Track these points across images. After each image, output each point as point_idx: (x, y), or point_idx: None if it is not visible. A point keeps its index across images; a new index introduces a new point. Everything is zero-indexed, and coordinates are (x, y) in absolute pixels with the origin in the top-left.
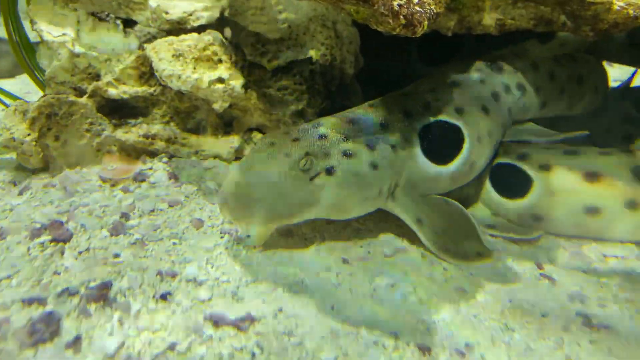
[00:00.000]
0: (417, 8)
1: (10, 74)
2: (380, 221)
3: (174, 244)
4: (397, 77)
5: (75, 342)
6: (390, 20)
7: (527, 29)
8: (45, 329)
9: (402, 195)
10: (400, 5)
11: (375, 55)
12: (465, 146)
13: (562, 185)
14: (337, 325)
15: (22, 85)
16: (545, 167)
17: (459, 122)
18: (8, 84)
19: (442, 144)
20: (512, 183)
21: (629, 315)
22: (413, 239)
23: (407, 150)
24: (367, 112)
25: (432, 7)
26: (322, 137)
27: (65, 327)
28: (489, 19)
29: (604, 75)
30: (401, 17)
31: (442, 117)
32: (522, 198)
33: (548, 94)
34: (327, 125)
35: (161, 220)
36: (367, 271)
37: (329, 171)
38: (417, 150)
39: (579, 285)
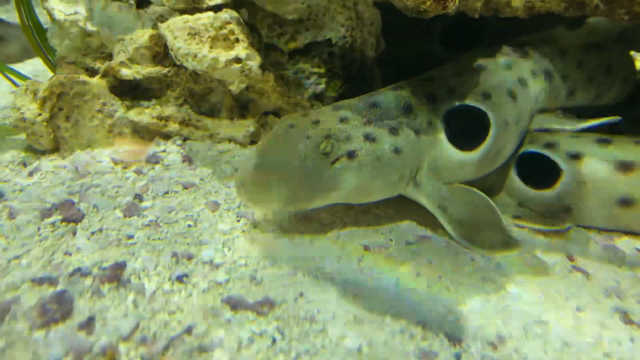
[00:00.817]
0: None
1: (19, 59)
2: (402, 208)
3: (189, 226)
4: (418, 62)
5: (89, 323)
6: None
7: (558, 12)
8: (57, 309)
9: (425, 182)
10: None
11: (396, 40)
12: (492, 132)
13: (594, 175)
14: (361, 313)
15: (31, 70)
16: (575, 156)
17: (484, 107)
18: (19, 68)
19: (467, 130)
20: (539, 172)
21: None
22: (436, 227)
23: (430, 136)
24: (389, 96)
25: None
26: (344, 120)
27: (78, 308)
28: (518, 1)
29: (632, 65)
30: None
31: (468, 102)
32: (550, 188)
33: (576, 81)
34: (349, 108)
35: (175, 202)
36: (390, 259)
37: (351, 155)
38: (442, 136)
39: (614, 280)
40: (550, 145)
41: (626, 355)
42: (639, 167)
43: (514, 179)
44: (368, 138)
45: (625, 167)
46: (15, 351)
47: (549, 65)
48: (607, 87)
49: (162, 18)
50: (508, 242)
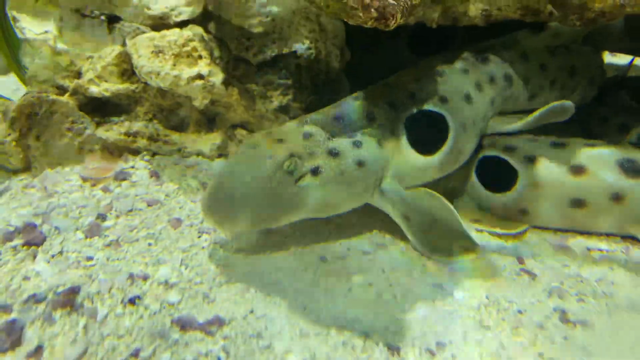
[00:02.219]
0: (390, 0)
1: (3, 72)
2: (364, 215)
3: (150, 245)
4: (388, 69)
5: (37, 352)
6: (361, 14)
7: (515, 19)
8: (7, 338)
9: (389, 190)
10: None
11: (363, 48)
12: (451, 135)
13: (548, 177)
14: (308, 326)
15: (15, 83)
16: (530, 159)
17: (443, 111)
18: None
19: (427, 134)
20: (498, 176)
21: (607, 311)
22: (394, 233)
23: (393, 143)
24: (351, 106)
25: None
26: (307, 136)
27: (28, 336)
28: (475, 10)
29: (599, 66)
30: (372, 10)
31: (427, 107)
32: (508, 191)
33: (538, 85)
34: (313, 123)
35: (138, 220)
36: (345, 269)
37: (315, 172)
38: (404, 142)
39: (559, 281)
40: (509, 149)
41: (558, 354)
42: (589, 170)
43: (474, 183)
44: (331, 153)
45: (577, 170)
46: None
47: (509, 69)
48: (571, 90)
49: (133, 34)
50: (468, 247)
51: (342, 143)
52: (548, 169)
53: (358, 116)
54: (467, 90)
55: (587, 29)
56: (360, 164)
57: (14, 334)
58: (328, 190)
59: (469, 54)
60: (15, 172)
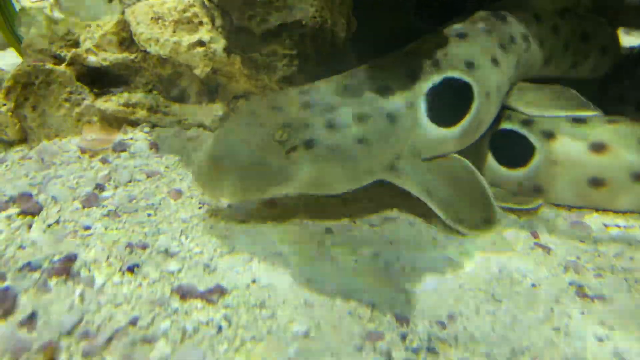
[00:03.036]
0: None
1: (2, 47)
2: (370, 188)
3: (149, 215)
4: (394, 37)
5: (30, 319)
6: None
7: None
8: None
9: (407, 167)
10: None
11: (370, 17)
12: (475, 105)
13: (567, 155)
14: (312, 296)
15: (15, 57)
16: (549, 135)
17: (469, 79)
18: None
19: (450, 105)
20: (514, 151)
21: (626, 286)
22: (402, 206)
23: (409, 117)
24: (364, 76)
25: None
26: (306, 105)
27: (22, 304)
28: None
29: (612, 37)
30: None
31: (453, 74)
32: (523, 167)
33: (552, 47)
34: (316, 92)
35: (138, 191)
36: (352, 241)
37: (308, 144)
38: (422, 116)
39: (575, 255)
40: (527, 123)
41: (574, 328)
42: (611, 148)
43: (488, 157)
44: (330, 126)
45: (598, 147)
46: None
47: (526, 30)
48: (583, 56)
49: (133, 3)
50: (489, 219)
51: (344, 116)
52: (567, 146)
53: (369, 87)
54: (494, 53)
55: None
56: (361, 140)
57: (7, 302)
58: (320, 166)
59: (486, 14)
60: (11, 143)
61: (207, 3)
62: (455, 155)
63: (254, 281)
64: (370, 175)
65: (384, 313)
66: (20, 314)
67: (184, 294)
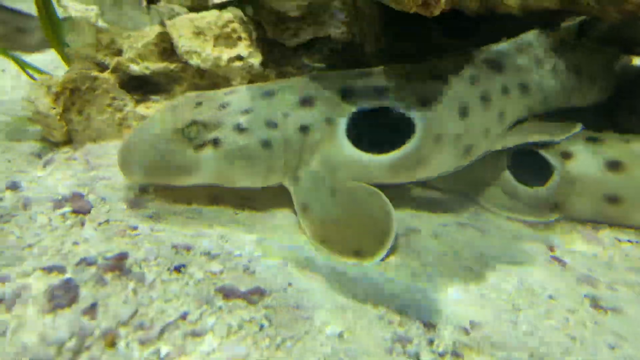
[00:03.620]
0: None
1: (38, 49)
2: (396, 197)
3: (189, 218)
4: (420, 51)
5: (92, 309)
6: (406, 0)
7: (552, 8)
8: (64, 294)
9: (305, 177)
10: None
11: (397, 29)
12: (413, 142)
13: (584, 173)
14: (344, 301)
15: (53, 59)
16: (566, 155)
17: (415, 115)
18: (38, 59)
19: (381, 133)
20: (532, 170)
21: (639, 299)
22: (424, 218)
23: (324, 133)
24: (293, 85)
25: None
26: (224, 105)
27: (83, 295)
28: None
29: (606, 67)
30: None
31: (396, 105)
32: (542, 186)
33: (550, 89)
34: (239, 94)
35: (179, 194)
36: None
37: (215, 142)
38: (341, 134)
39: (589, 269)
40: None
41: (588, 336)
42: (626, 166)
43: (506, 173)
44: (238, 128)
45: (613, 166)
46: (25, 331)
47: (525, 78)
48: (578, 91)
49: (171, 14)
50: (362, 252)
51: (255, 119)
52: (584, 166)
53: (292, 96)
54: (466, 102)
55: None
56: (265, 144)
57: (70, 292)
58: (223, 164)
59: (483, 58)
60: (57, 144)
61: (245, 19)
62: (366, 185)
63: (290, 284)
64: (272, 178)
65: (412, 319)
66: (82, 303)
67: (227, 293)
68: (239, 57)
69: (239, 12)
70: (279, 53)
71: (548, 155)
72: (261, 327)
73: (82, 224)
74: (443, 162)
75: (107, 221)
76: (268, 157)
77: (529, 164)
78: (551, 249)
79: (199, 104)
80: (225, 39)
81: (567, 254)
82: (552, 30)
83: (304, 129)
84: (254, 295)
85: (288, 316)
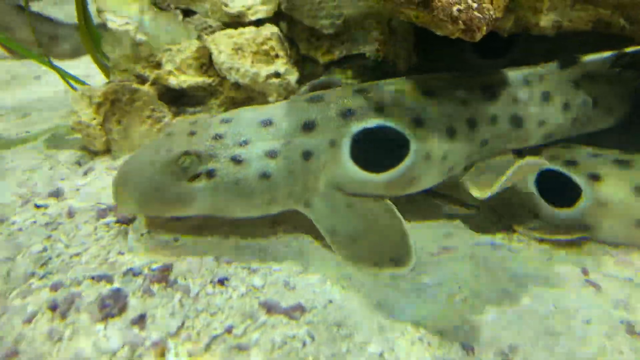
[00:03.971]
0: (476, 14)
1: (72, 56)
2: (427, 217)
3: (228, 231)
4: (452, 68)
5: (141, 320)
6: (449, 26)
7: (584, 30)
8: (114, 304)
9: (319, 202)
10: (459, 11)
11: (429, 47)
12: (407, 161)
13: (613, 197)
14: (384, 321)
15: (85, 66)
16: (595, 177)
17: (408, 133)
18: (71, 66)
19: (378, 152)
20: (560, 191)
21: None
22: (458, 237)
23: (329, 155)
24: (290, 111)
25: (491, 12)
26: (218, 137)
27: (132, 305)
28: (546, 21)
29: (622, 97)
30: (460, 22)
31: (391, 124)
32: (570, 207)
33: (556, 126)
34: (235, 124)
35: None
36: (415, 269)
37: (210, 174)
38: (345, 156)
39: (624, 294)
40: (570, 164)
41: None
42: None
43: (533, 194)
44: (234, 160)
45: None
46: (79, 339)
47: (521, 111)
48: (588, 120)
49: (207, 29)
50: (397, 259)
51: (253, 150)
52: (613, 189)
53: (289, 123)
54: (453, 124)
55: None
56: (265, 175)
57: (120, 301)
58: (219, 196)
59: (476, 84)
60: (96, 153)
61: (281, 35)
62: (379, 200)
63: (330, 302)
64: (274, 206)
65: (451, 341)
66: (131, 313)
67: (270, 308)
68: (276, 74)
69: (276, 29)
70: (311, 69)
71: (575, 177)
72: (304, 344)
73: (126, 234)
74: (431, 179)
75: (149, 232)
76: (268, 188)
77: (558, 186)
78: (585, 271)
79: (193, 133)
80: (263, 55)
81: (601, 277)
82: (575, 61)
83: (307, 155)
84: (296, 312)
85: (328, 334)
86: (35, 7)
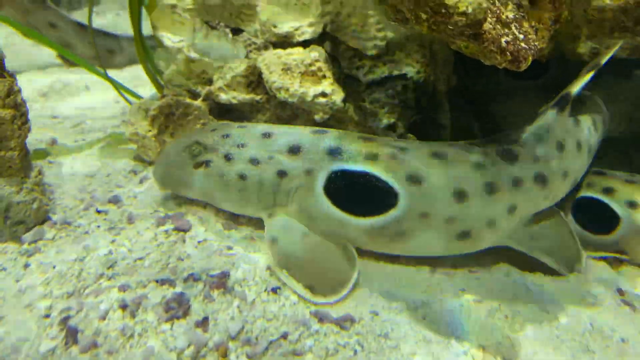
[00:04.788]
0: (523, 45)
1: (122, 67)
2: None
3: None
4: (486, 90)
5: (204, 322)
6: (498, 56)
7: (621, 57)
8: (178, 307)
9: (280, 217)
10: (507, 42)
11: (467, 68)
12: (394, 212)
13: None
14: (429, 334)
15: (133, 77)
16: (632, 205)
17: (400, 188)
18: (120, 76)
19: (360, 196)
20: (597, 218)
21: None
22: (496, 255)
23: (302, 182)
24: (292, 133)
25: (536, 42)
26: (226, 136)
27: (194, 308)
28: (584, 47)
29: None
30: (508, 53)
31: (377, 173)
32: (608, 234)
33: (578, 170)
34: (246, 130)
35: None
36: (454, 285)
37: (207, 164)
38: (318, 188)
39: None
40: (608, 191)
41: None
42: None
43: (571, 221)
44: (226, 156)
45: None
46: (149, 336)
47: (542, 169)
48: (595, 145)
49: (254, 46)
50: (338, 286)
51: (243, 153)
52: None
53: (282, 142)
54: (463, 188)
55: None
56: (242, 176)
57: (183, 304)
58: (208, 184)
59: (495, 148)
60: (150, 163)
61: (328, 58)
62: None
63: (376, 314)
64: (248, 208)
65: (494, 356)
66: (194, 316)
67: (321, 318)
68: (323, 94)
69: (324, 52)
70: (353, 87)
71: (613, 204)
72: (355, 352)
73: (184, 241)
74: (430, 242)
75: (205, 240)
76: (242, 188)
77: (594, 212)
78: (620, 292)
79: (214, 130)
80: (310, 76)
81: (636, 299)
82: (568, 99)
83: (281, 174)
84: (346, 322)
85: (377, 344)
86: (77, 16)
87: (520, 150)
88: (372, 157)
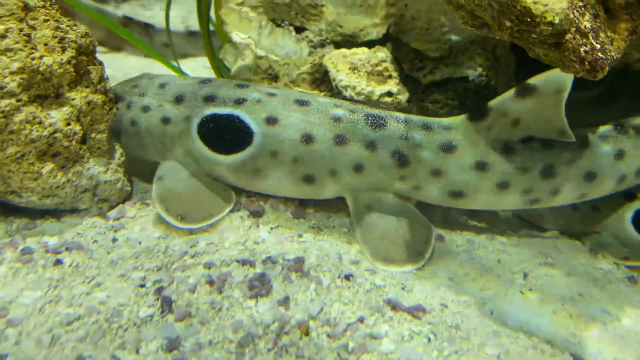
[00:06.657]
0: (600, 55)
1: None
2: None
3: (344, 232)
4: None
5: (285, 301)
6: (577, 66)
7: None
8: (261, 286)
9: (170, 160)
10: (586, 52)
11: (527, 73)
12: (248, 151)
13: None
14: (498, 327)
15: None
16: None
17: (257, 128)
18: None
19: (224, 137)
20: None
21: None
22: (557, 254)
23: (183, 127)
24: (182, 85)
25: (612, 53)
26: (135, 86)
27: (275, 288)
28: None
29: None
30: (586, 63)
31: (242, 115)
32: None
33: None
34: (153, 80)
35: (334, 209)
36: (515, 284)
37: (128, 106)
38: (194, 132)
39: None
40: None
41: None
42: None
43: (627, 226)
44: (128, 105)
45: None
46: (235, 310)
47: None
48: None
49: (319, 46)
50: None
51: (140, 102)
52: None
53: (171, 93)
54: (312, 133)
55: None
56: (133, 122)
57: (266, 284)
58: (123, 126)
59: (366, 110)
60: None
61: (394, 59)
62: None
63: (446, 306)
64: (146, 153)
65: (562, 351)
66: (276, 295)
67: (394, 306)
68: (389, 93)
69: (389, 53)
70: (412, 87)
71: None
72: (429, 340)
73: (258, 226)
74: (281, 181)
75: (277, 226)
76: (134, 133)
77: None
78: None
79: (130, 80)
80: (376, 75)
81: None
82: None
83: (165, 120)
84: (418, 312)
85: (448, 334)
86: (126, 8)
87: (392, 123)
88: (241, 102)
